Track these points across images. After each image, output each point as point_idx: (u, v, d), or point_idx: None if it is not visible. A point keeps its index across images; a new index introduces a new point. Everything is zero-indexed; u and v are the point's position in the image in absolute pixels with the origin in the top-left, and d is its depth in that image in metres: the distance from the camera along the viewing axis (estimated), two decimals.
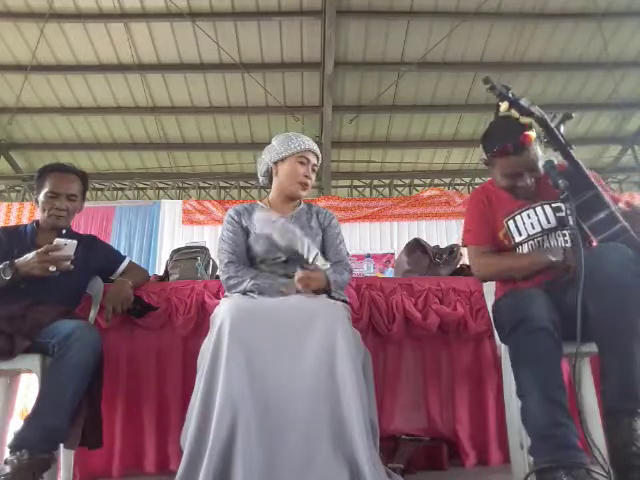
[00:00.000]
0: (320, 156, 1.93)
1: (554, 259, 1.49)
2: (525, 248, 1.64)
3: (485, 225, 1.68)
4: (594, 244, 1.50)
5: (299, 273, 1.63)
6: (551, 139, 1.42)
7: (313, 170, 1.90)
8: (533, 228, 1.62)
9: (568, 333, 1.36)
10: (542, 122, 1.38)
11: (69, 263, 1.73)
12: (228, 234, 1.81)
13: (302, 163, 1.85)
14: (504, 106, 1.31)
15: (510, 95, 1.32)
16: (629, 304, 1.27)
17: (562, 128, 1.42)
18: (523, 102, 1.33)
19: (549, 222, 1.60)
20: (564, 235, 1.59)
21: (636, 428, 1.19)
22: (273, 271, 1.74)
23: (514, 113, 1.33)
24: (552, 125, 1.38)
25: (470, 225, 1.75)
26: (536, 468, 1.21)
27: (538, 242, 1.62)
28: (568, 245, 1.56)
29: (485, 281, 1.79)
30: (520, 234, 1.63)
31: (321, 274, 1.66)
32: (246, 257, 1.79)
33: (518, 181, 1.58)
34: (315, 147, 1.90)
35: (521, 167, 1.56)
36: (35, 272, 1.69)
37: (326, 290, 1.68)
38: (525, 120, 1.38)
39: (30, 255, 1.71)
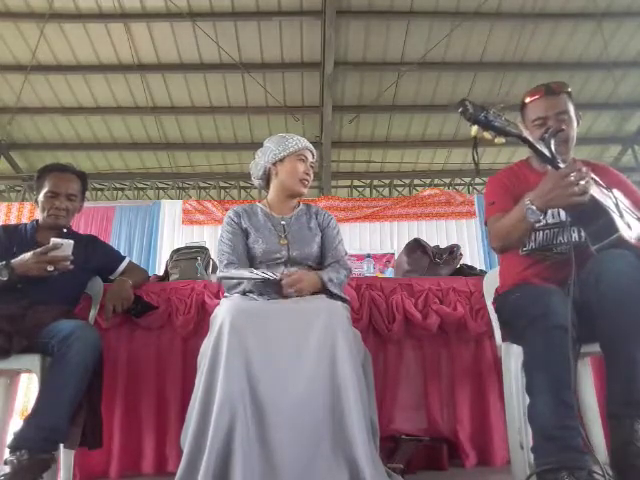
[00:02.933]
0: (315, 154, 1.95)
1: (534, 216, 1.39)
2: (540, 235, 1.61)
3: (509, 196, 1.61)
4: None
5: (283, 282, 1.60)
6: (537, 155, 1.38)
7: (311, 167, 1.92)
8: (553, 217, 1.59)
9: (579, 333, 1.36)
10: (524, 140, 1.31)
11: (68, 263, 1.73)
12: (228, 235, 1.82)
13: (302, 160, 1.87)
14: (473, 130, 1.25)
15: (483, 117, 1.22)
16: (633, 311, 1.27)
17: (552, 142, 1.35)
18: (499, 123, 1.23)
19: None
20: (579, 231, 1.55)
21: (637, 429, 1.20)
22: (273, 272, 1.74)
23: (486, 135, 1.25)
24: (533, 141, 1.31)
25: (492, 197, 1.68)
26: (538, 469, 1.21)
27: (554, 232, 1.59)
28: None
29: (501, 252, 1.67)
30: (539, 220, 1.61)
31: (309, 273, 1.65)
32: (246, 258, 1.79)
33: (548, 124, 1.56)
34: (311, 145, 1.93)
35: (550, 110, 1.58)
36: (33, 272, 1.69)
37: (324, 289, 1.67)
38: (499, 140, 1.31)
39: (27, 255, 1.71)
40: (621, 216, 1.43)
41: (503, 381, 1.69)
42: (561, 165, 1.32)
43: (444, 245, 2.58)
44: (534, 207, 1.36)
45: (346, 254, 1.89)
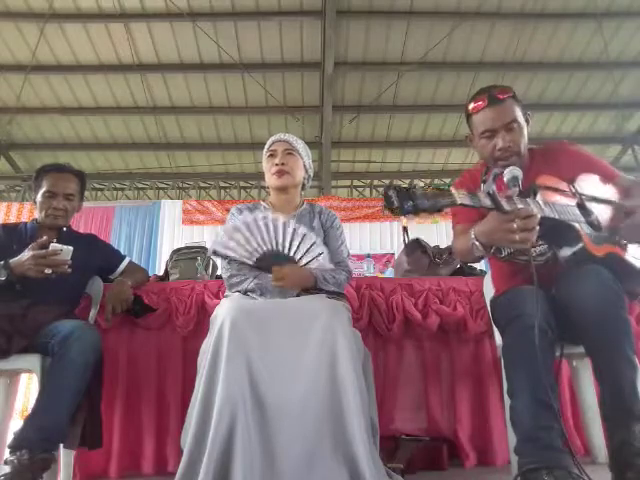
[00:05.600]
0: (290, 140, 1.92)
1: (478, 252, 1.35)
2: None
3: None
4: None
5: (274, 270, 1.58)
6: (482, 208, 1.24)
7: (289, 154, 1.89)
8: None
9: (564, 334, 1.37)
10: (465, 205, 1.16)
11: (66, 267, 1.72)
12: None
13: (271, 156, 1.91)
14: (403, 222, 1.19)
15: (410, 206, 1.06)
16: (610, 321, 1.27)
17: (492, 184, 1.23)
18: (428, 203, 1.07)
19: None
20: None
21: (635, 430, 1.20)
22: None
23: (420, 217, 1.12)
24: (471, 202, 1.15)
25: (454, 208, 1.58)
26: (523, 469, 1.21)
27: None
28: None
29: (462, 261, 1.73)
30: None
31: (300, 270, 1.62)
32: None
33: (495, 140, 1.48)
34: (281, 136, 1.93)
35: (497, 121, 1.47)
36: (30, 274, 1.68)
37: (316, 287, 1.66)
38: (434, 220, 1.24)
39: (25, 255, 1.70)
40: (589, 215, 1.41)
41: (503, 381, 1.69)
42: (507, 208, 1.21)
43: (444, 245, 2.58)
44: (478, 243, 1.32)
45: (348, 255, 1.89)
